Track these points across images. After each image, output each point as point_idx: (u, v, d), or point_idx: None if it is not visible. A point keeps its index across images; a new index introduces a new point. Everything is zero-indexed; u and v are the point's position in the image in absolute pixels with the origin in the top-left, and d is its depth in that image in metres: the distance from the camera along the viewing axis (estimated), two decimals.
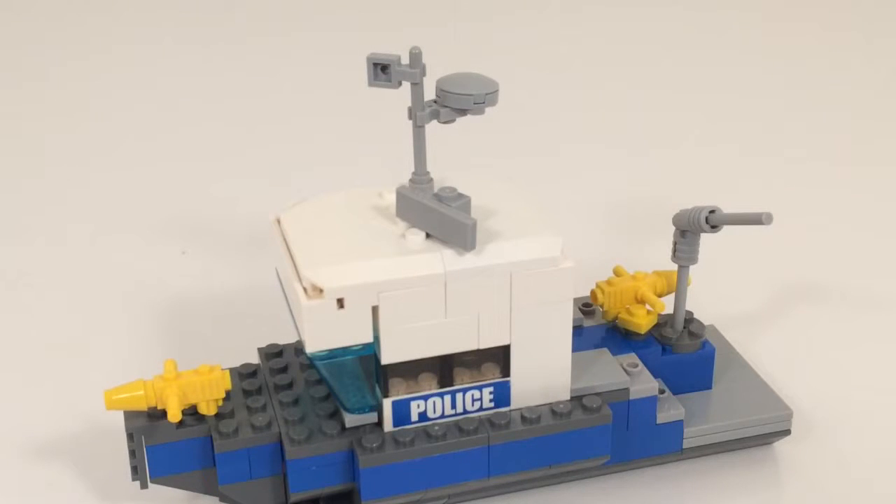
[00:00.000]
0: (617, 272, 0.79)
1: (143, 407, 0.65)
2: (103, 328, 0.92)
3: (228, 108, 1.35)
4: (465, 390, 0.67)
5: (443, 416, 0.68)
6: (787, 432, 0.76)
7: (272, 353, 0.74)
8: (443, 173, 0.69)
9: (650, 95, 1.38)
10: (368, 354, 0.66)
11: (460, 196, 0.65)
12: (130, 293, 0.97)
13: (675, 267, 0.76)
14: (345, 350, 0.64)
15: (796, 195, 1.12)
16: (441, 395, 0.67)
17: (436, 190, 0.66)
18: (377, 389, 0.67)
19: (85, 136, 1.28)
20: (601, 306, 0.77)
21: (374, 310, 0.63)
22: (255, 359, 0.75)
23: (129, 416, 0.67)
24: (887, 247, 1.04)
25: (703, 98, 1.38)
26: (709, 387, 0.77)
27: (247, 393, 0.70)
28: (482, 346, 0.66)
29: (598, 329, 0.77)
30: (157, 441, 0.67)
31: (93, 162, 1.23)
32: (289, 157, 1.22)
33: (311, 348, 0.63)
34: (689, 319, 0.78)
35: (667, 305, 0.76)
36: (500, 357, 0.67)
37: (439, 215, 0.64)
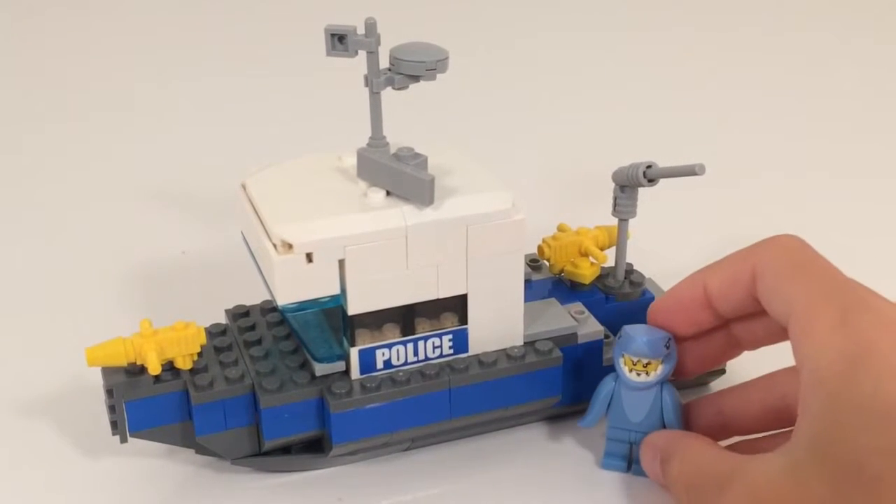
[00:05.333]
0: (561, 228, 0.84)
1: (123, 362, 0.69)
2: (77, 292, 0.96)
3: (200, 85, 1.42)
4: (426, 338, 0.72)
5: (406, 363, 0.72)
6: (722, 371, 0.82)
7: (239, 314, 0.78)
8: (397, 138, 0.73)
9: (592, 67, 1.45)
10: (336, 306, 0.70)
11: (417, 155, 0.69)
12: (106, 258, 1.01)
13: (615, 222, 0.81)
14: (314, 302, 0.68)
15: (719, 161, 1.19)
16: (404, 343, 0.71)
17: (393, 151, 0.70)
18: (344, 340, 0.71)
19: (63, 115, 1.35)
20: (548, 260, 0.82)
21: (341, 263, 0.68)
22: (221, 319, 0.78)
23: (107, 372, 0.70)
24: (806, 196, 1.12)
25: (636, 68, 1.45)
26: None
27: (218, 350, 0.74)
28: (441, 296, 0.71)
29: (546, 282, 0.82)
30: (136, 396, 0.70)
31: (65, 132, 1.30)
32: (249, 129, 1.28)
33: (282, 300, 0.67)
34: (630, 271, 0.83)
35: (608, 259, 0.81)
36: (458, 306, 0.72)
37: (399, 173, 0.68)
